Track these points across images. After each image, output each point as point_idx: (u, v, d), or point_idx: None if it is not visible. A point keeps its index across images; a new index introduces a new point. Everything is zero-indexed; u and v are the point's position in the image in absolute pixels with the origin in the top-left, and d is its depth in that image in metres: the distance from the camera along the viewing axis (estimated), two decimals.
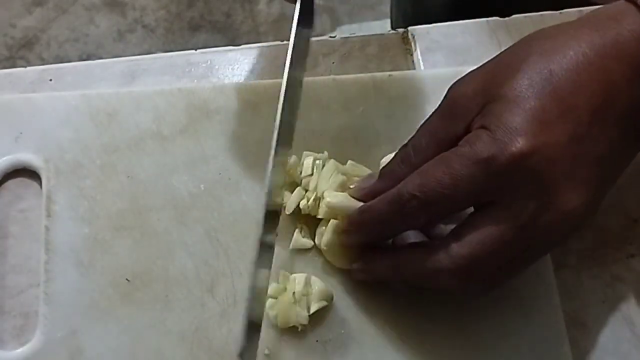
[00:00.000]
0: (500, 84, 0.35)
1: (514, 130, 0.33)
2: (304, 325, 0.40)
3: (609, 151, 0.35)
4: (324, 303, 0.40)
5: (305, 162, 0.43)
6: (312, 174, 0.42)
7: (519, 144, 0.33)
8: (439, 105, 0.38)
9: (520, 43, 0.37)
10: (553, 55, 0.35)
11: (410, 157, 0.38)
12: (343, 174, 0.42)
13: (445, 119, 0.38)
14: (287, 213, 0.42)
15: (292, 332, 0.40)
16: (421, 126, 0.39)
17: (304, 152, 0.44)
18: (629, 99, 0.35)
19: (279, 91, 0.39)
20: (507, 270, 0.36)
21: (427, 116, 0.38)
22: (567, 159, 0.34)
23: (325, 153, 0.43)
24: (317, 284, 0.40)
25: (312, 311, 0.40)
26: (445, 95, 0.38)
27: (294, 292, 0.40)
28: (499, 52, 0.38)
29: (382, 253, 0.39)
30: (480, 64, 0.38)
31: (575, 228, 0.35)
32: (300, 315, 0.39)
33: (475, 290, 0.37)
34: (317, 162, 0.43)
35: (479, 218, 0.35)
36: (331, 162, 0.42)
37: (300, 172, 0.43)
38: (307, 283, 0.40)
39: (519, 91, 0.35)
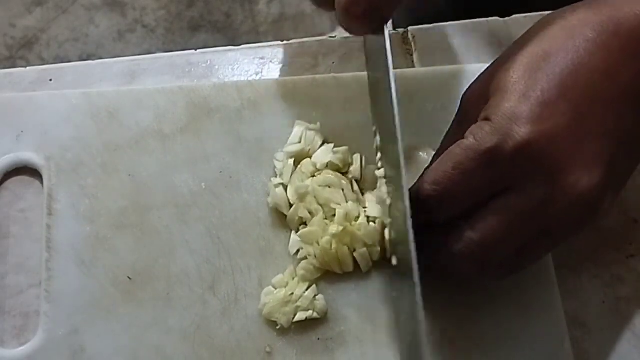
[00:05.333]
0: (500, 76, 0.36)
1: (514, 117, 0.33)
2: (281, 325, 0.40)
3: (616, 126, 0.35)
4: (315, 315, 0.40)
5: (295, 130, 0.43)
6: (299, 142, 0.43)
7: (522, 131, 0.33)
8: (456, 113, 0.39)
9: (520, 37, 0.37)
10: (549, 39, 0.35)
11: None
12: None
13: (459, 124, 0.39)
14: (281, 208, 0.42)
15: (293, 329, 0.40)
16: (444, 137, 0.40)
17: (297, 121, 0.44)
18: (631, 73, 0.35)
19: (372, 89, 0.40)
20: (525, 254, 0.36)
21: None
22: (571, 138, 0.34)
23: (318, 124, 0.44)
24: (314, 292, 0.41)
25: (295, 319, 0.40)
26: (459, 102, 0.39)
27: (291, 293, 0.40)
28: (499, 53, 0.38)
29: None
30: (480, 63, 0.38)
31: (595, 208, 0.35)
32: (284, 317, 0.40)
33: (493, 275, 0.38)
34: (309, 132, 0.43)
35: (492, 204, 0.35)
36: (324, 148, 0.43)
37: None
38: (307, 289, 0.41)
39: (516, 78, 0.35)
